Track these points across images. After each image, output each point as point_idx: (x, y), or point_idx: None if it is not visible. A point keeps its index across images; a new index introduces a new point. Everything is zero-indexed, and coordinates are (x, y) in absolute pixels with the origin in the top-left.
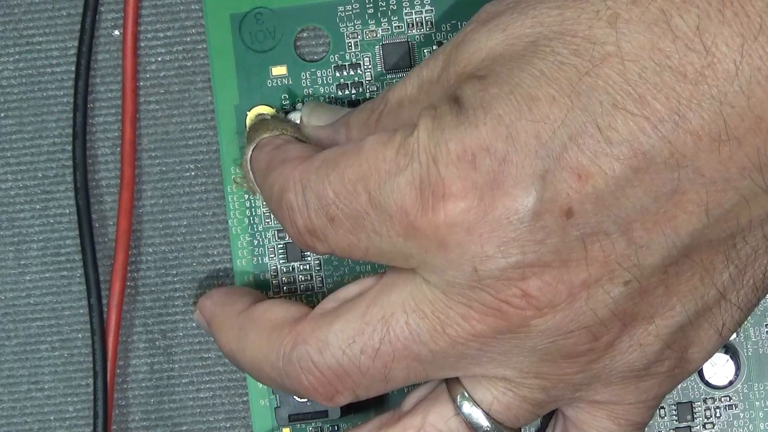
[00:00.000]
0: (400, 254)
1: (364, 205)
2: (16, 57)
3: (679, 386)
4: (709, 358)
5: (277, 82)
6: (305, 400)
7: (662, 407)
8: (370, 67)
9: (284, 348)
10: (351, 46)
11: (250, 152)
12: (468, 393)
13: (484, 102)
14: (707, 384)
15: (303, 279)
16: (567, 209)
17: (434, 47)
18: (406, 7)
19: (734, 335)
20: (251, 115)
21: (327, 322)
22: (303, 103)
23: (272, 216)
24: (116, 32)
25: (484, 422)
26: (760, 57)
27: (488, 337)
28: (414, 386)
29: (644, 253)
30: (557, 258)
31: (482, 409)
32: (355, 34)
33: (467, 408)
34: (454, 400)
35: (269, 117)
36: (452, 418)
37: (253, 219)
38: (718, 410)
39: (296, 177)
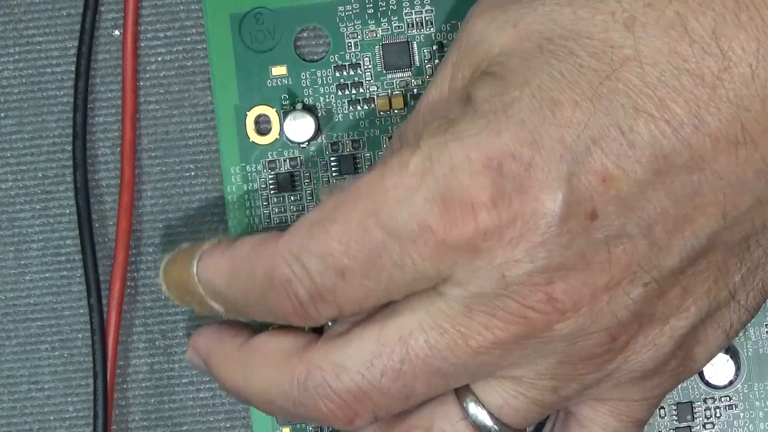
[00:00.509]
0: (424, 279)
1: (379, 240)
2: (16, 57)
3: (679, 386)
4: (713, 358)
5: (277, 82)
6: None
7: (662, 407)
8: (370, 67)
9: (297, 376)
10: (351, 46)
11: (194, 268)
12: (477, 396)
13: (505, 106)
14: (707, 384)
15: None
16: (591, 212)
17: (434, 47)
18: (406, 7)
19: None
20: (251, 116)
21: (340, 346)
22: (303, 103)
23: (271, 217)
24: (116, 32)
25: (492, 425)
26: None
27: (510, 344)
28: None
29: (664, 255)
30: (582, 261)
31: (490, 412)
32: (355, 34)
33: (475, 411)
34: (461, 403)
35: (183, 247)
36: (460, 421)
37: (253, 219)
38: (718, 410)
39: (282, 250)
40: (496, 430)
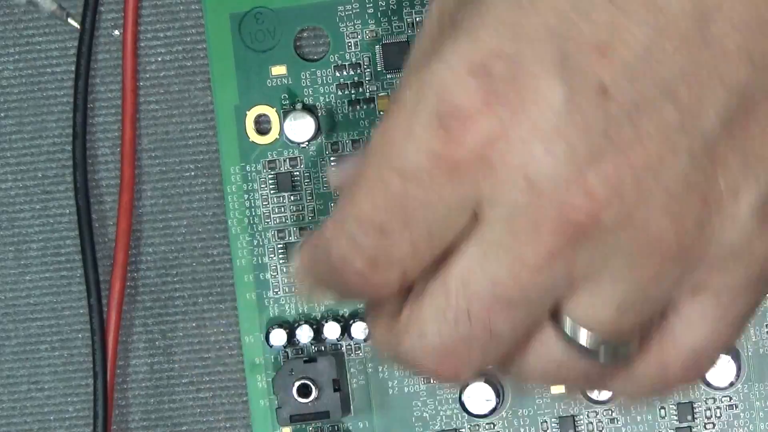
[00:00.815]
0: (458, 211)
1: (399, 186)
2: (16, 57)
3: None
4: None
5: (276, 82)
6: (306, 401)
7: (662, 407)
8: (370, 67)
9: (390, 351)
10: (351, 46)
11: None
12: (569, 315)
13: (481, 13)
14: (708, 384)
15: None
16: (599, 87)
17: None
18: (406, 7)
19: None
20: (251, 116)
21: (415, 310)
22: (302, 103)
23: (271, 217)
24: (116, 32)
25: (591, 341)
26: None
27: (568, 251)
28: None
29: (699, 118)
30: (607, 142)
31: (587, 328)
32: (355, 34)
33: (570, 329)
34: (555, 327)
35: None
36: (557, 343)
37: (253, 219)
38: (718, 410)
39: (327, 234)
40: (595, 343)
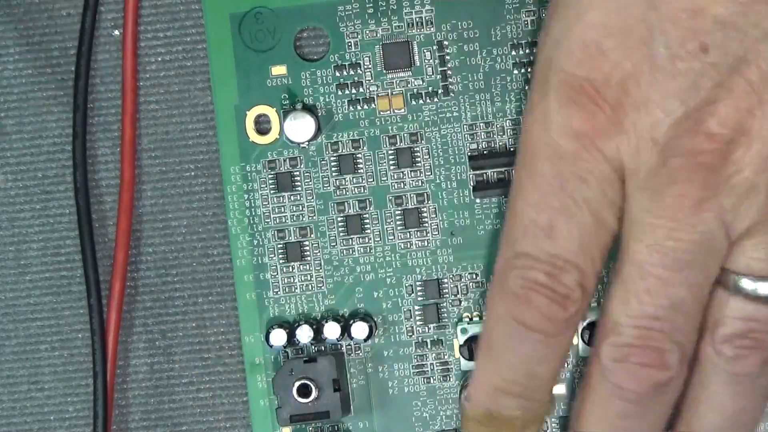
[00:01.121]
0: (609, 183)
1: (551, 172)
2: (16, 57)
3: None
4: None
5: (276, 82)
6: (306, 401)
7: None
8: (370, 66)
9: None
10: (351, 45)
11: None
12: (739, 272)
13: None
14: None
15: (303, 279)
16: (700, 45)
17: (434, 47)
18: (406, 7)
19: None
20: (251, 116)
21: (605, 307)
22: (302, 102)
23: (271, 217)
24: (116, 32)
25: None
26: None
27: (709, 199)
28: None
29: None
30: (721, 90)
31: (757, 276)
32: (355, 34)
33: (743, 284)
34: (730, 286)
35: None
36: (731, 298)
37: (253, 219)
38: None
39: (502, 264)
40: None
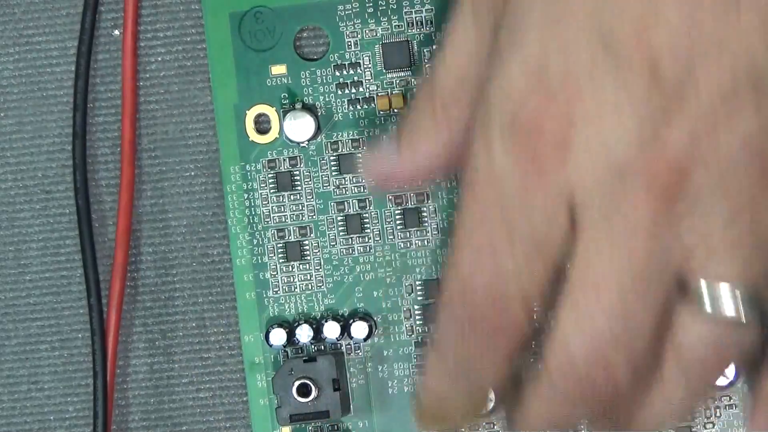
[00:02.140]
0: (555, 204)
1: (493, 196)
2: (16, 57)
3: None
4: None
5: (276, 82)
6: (306, 400)
7: None
8: (370, 66)
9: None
10: (351, 45)
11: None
12: (702, 279)
13: (521, 18)
14: None
15: (303, 279)
16: (647, 59)
17: (434, 47)
18: (406, 7)
19: None
20: (251, 115)
21: (553, 329)
22: (302, 102)
23: (271, 216)
24: (116, 32)
25: (730, 300)
26: None
27: (667, 211)
28: None
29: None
30: (668, 104)
31: (720, 280)
32: (355, 34)
33: (708, 298)
34: (692, 309)
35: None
36: (701, 325)
37: (253, 218)
38: (718, 410)
39: (450, 283)
40: (734, 301)
